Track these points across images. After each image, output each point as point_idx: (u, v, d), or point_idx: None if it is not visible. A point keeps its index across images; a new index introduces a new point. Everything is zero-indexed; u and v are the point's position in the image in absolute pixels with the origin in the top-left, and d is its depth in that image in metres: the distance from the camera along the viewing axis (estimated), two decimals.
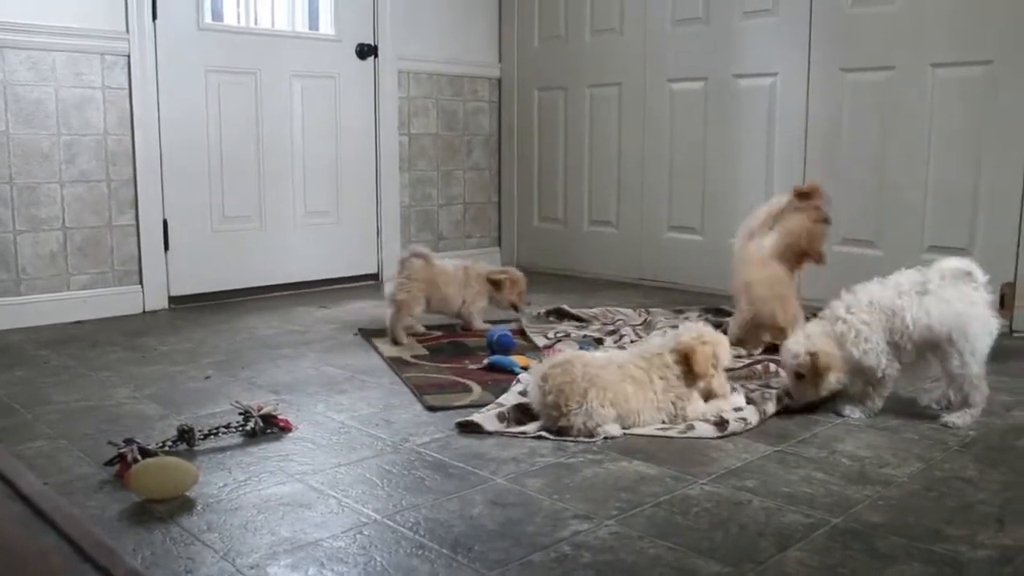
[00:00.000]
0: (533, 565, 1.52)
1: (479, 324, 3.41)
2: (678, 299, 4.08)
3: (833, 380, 2.38)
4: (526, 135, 5.12)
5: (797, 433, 2.25)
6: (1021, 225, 3.35)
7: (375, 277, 4.71)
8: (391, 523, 1.70)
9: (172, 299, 3.98)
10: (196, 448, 2.10)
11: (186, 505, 1.78)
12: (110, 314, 3.76)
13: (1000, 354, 3.07)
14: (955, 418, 2.33)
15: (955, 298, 2.31)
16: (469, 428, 2.24)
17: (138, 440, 1.98)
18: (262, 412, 2.22)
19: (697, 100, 4.31)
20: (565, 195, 4.97)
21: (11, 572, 0.65)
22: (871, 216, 3.75)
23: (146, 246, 3.87)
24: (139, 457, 1.92)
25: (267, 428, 2.21)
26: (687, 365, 2.32)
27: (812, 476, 1.96)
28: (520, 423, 2.28)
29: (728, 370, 2.80)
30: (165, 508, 1.76)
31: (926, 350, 2.37)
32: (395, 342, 3.21)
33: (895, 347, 2.35)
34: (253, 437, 2.18)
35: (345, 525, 1.69)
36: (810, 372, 2.36)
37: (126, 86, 3.75)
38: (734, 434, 2.23)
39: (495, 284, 3.45)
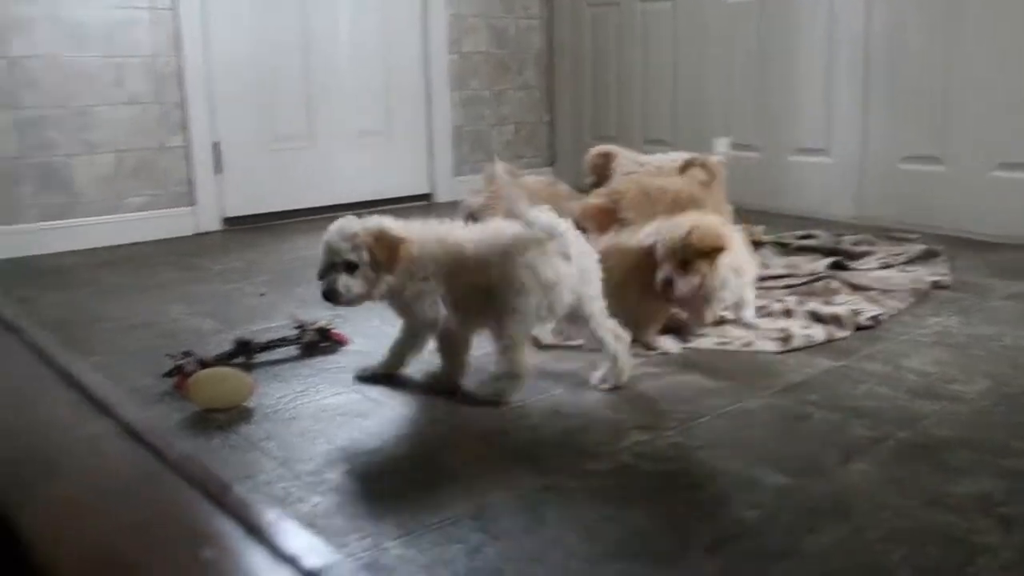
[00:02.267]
0: (593, 473, 1.50)
1: None
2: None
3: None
4: (578, 52, 5.00)
5: (860, 348, 2.19)
6: None
7: (427, 197, 4.68)
8: (448, 431, 1.69)
9: (225, 220, 3.99)
10: (253, 361, 2.10)
11: (244, 415, 1.78)
12: (164, 236, 3.77)
13: None
14: (599, 375, 1.95)
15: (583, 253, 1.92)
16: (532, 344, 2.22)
17: (195, 352, 1.99)
18: (317, 326, 2.21)
19: (754, 11, 4.16)
20: (618, 112, 4.86)
21: (63, 456, 0.63)
22: (936, 131, 3.60)
23: (198, 168, 3.87)
24: (197, 368, 1.93)
25: (322, 341, 2.21)
26: None
27: (876, 391, 1.91)
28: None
29: (788, 286, 2.74)
30: (224, 417, 1.77)
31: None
32: None
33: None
34: (309, 350, 2.18)
35: (402, 434, 1.68)
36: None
37: (172, 6, 3.71)
38: (796, 350, 2.18)
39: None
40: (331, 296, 1.85)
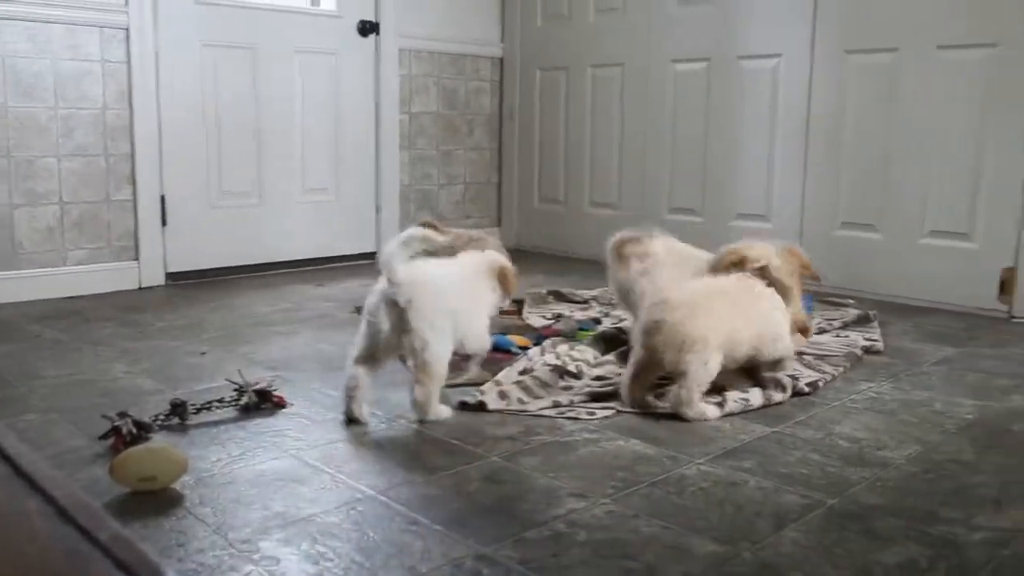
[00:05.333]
0: (527, 542, 1.51)
1: None
2: None
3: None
4: (527, 115, 5.09)
5: (794, 414, 2.24)
6: (1023, 210, 3.33)
7: (372, 256, 4.69)
8: (385, 499, 1.69)
9: (169, 275, 3.96)
10: (189, 423, 2.09)
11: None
12: (106, 289, 3.74)
13: (1000, 339, 3.07)
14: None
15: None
16: (474, 408, 2.23)
17: (131, 414, 1.97)
18: (256, 388, 2.20)
19: (700, 81, 4.29)
20: (566, 176, 4.94)
21: None
22: (872, 199, 3.73)
23: (143, 222, 3.85)
24: (133, 430, 1.91)
25: (261, 404, 2.20)
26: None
27: (809, 457, 1.95)
28: (521, 401, 2.27)
29: None
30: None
31: None
32: None
33: None
34: (247, 412, 2.17)
35: (338, 500, 1.68)
36: None
37: (125, 60, 3.72)
38: (731, 414, 2.21)
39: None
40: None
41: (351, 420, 2.14)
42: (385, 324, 2.10)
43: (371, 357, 2.15)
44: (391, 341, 2.12)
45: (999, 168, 3.37)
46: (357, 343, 2.17)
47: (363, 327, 2.16)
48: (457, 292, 2.25)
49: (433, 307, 2.12)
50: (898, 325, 3.25)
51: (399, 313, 2.08)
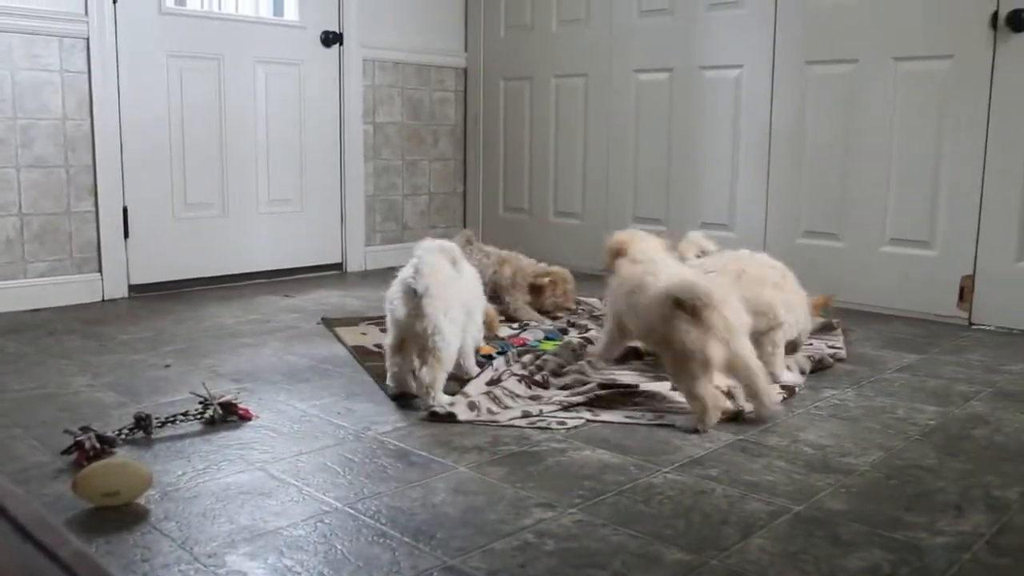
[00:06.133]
0: (495, 553, 1.51)
1: (526, 316, 3.42)
2: None
3: None
4: (492, 125, 5.10)
5: (759, 422, 2.26)
6: (980, 218, 3.39)
7: (339, 267, 4.68)
8: (352, 511, 1.68)
9: (132, 287, 3.92)
10: (153, 436, 2.07)
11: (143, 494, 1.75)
12: (68, 302, 3.70)
13: (959, 346, 3.12)
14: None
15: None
16: (444, 419, 2.22)
17: (95, 428, 1.94)
18: (221, 400, 2.19)
19: (663, 91, 4.32)
20: (530, 185, 4.96)
21: None
22: (834, 208, 3.78)
23: (105, 233, 3.80)
24: (97, 445, 1.89)
25: (227, 416, 2.18)
26: None
27: (774, 464, 1.97)
28: (491, 412, 2.27)
29: None
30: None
31: None
32: None
33: None
34: (212, 425, 2.15)
35: (305, 513, 1.67)
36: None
37: (85, 70, 3.68)
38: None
39: (537, 288, 3.45)
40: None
41: (402, 396, 2.39)
42: (401, 311, 2.27)
43: (402, 346, 2.35)
44: (408, 327, 2.28)
45: (957, 177, 3.43)
46: (388, 332, 2.39)
47: (388, 315, 2.37)
48: (471, 288, 2.53)
49: (449, 297, 2.28)
50: (860, 332, 3.29)
51: (416, 300, 2.23)
